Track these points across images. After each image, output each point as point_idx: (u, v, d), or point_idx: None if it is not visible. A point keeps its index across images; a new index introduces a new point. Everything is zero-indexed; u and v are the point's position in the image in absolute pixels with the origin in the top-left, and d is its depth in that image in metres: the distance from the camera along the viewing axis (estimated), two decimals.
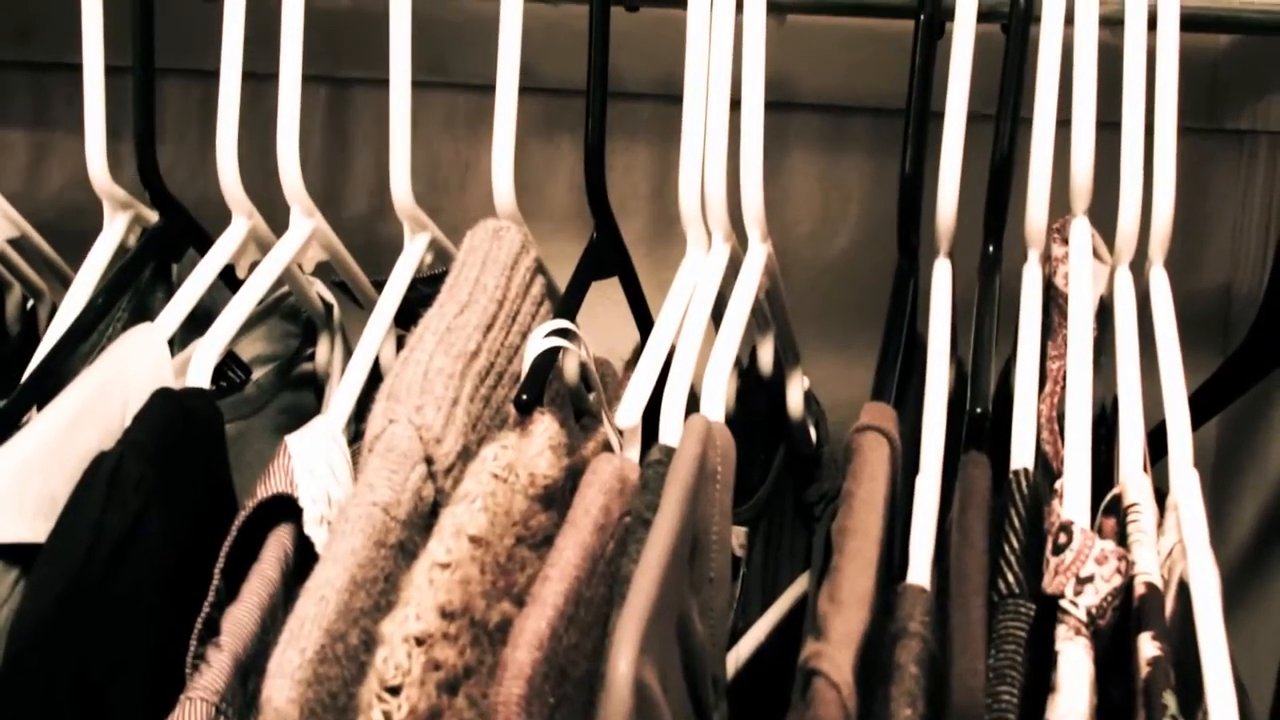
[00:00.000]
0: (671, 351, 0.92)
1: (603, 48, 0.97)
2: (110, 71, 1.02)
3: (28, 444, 0.85)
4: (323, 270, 1.07)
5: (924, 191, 0.97)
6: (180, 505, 0.85)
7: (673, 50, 1.00)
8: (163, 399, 0.87)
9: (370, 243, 1.08)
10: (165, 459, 0.84)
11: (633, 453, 0.89)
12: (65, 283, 1.08)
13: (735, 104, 0.96)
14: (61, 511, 0.82)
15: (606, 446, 0.93)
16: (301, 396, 1.07)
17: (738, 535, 0.92)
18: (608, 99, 0.98)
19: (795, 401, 1.07)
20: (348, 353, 1.08)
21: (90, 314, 0.97)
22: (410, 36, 0.97)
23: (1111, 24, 0.95)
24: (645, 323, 1.05)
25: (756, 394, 1.07)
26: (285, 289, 1.04)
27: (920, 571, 0.84)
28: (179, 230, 1.04)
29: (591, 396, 0.99)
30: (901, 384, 0.95)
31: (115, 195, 1.03)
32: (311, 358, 1.09)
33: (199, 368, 0.91)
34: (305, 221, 1.00)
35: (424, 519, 0.83)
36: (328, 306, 1.09)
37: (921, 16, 0.96)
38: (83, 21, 1.00)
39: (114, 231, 1.04)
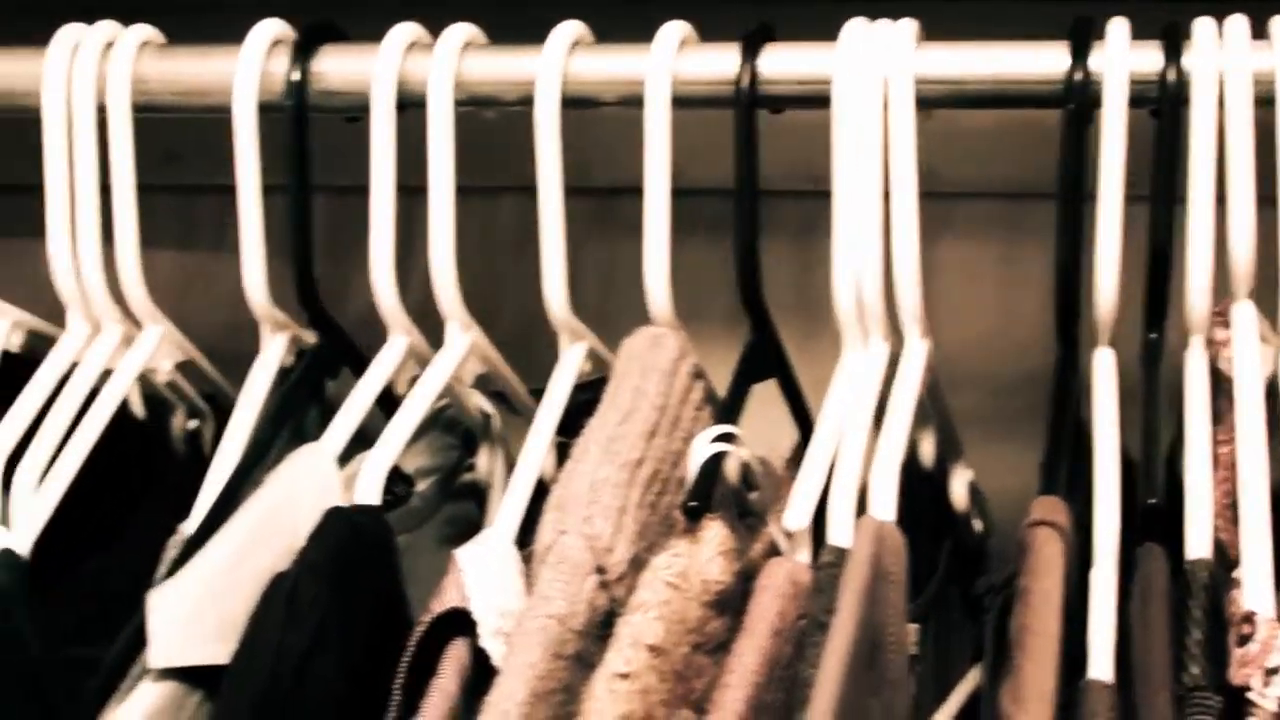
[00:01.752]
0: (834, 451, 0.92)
1: (750, 151, 0.98)
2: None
3: (205, 568, 0.86)
4: (480, 381, 1.07)
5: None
6: (356, 622, 0.86)
7: (812, 146, 1.01)
8: (335, 518, 0.88)
9: (525, 351, 1.09)
10: (340, 577, 0.85)
11: (803, 555, 0.89)
12: (223, 404, 1.09)
13: (884, 196, 0.96)
14: (243, 635, 0.83)
15: (773, 547, 0.93)
16: (464, 508, 1.08)
17: (911, 633, 0.91)
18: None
19: (960, 494, 1.06)
20: (508, 462, 1.08)
21: (263, 435, 0.98)
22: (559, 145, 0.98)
23: (1264, 104, 0.94)
24: (804, 422, 1.05)
25: (919, 488, 1.06)
26: (445, 401, 1.05)
27: (1102, 666, 0.83)
28: (338, 350, 1.05)
29: (754, 496, 0.98)
30: (1068, 475, 0.94)
31: (274, 317, 1.04)
32: (472, 468, 1.09)
33: (368, 484, 0.92)
34: (463, 336, 1.01)
35: (598, 629, 0.84)
36: (486, 417, 1.09)
37: (1070, 106, 0.95)
38: (236, 145, 1.01)
39: (273, 352, 1.05)
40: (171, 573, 0.88)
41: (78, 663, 0.89)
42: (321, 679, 0.83)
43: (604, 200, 1.14)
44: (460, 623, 0.83)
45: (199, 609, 0.85)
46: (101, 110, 1.03)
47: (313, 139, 1.02)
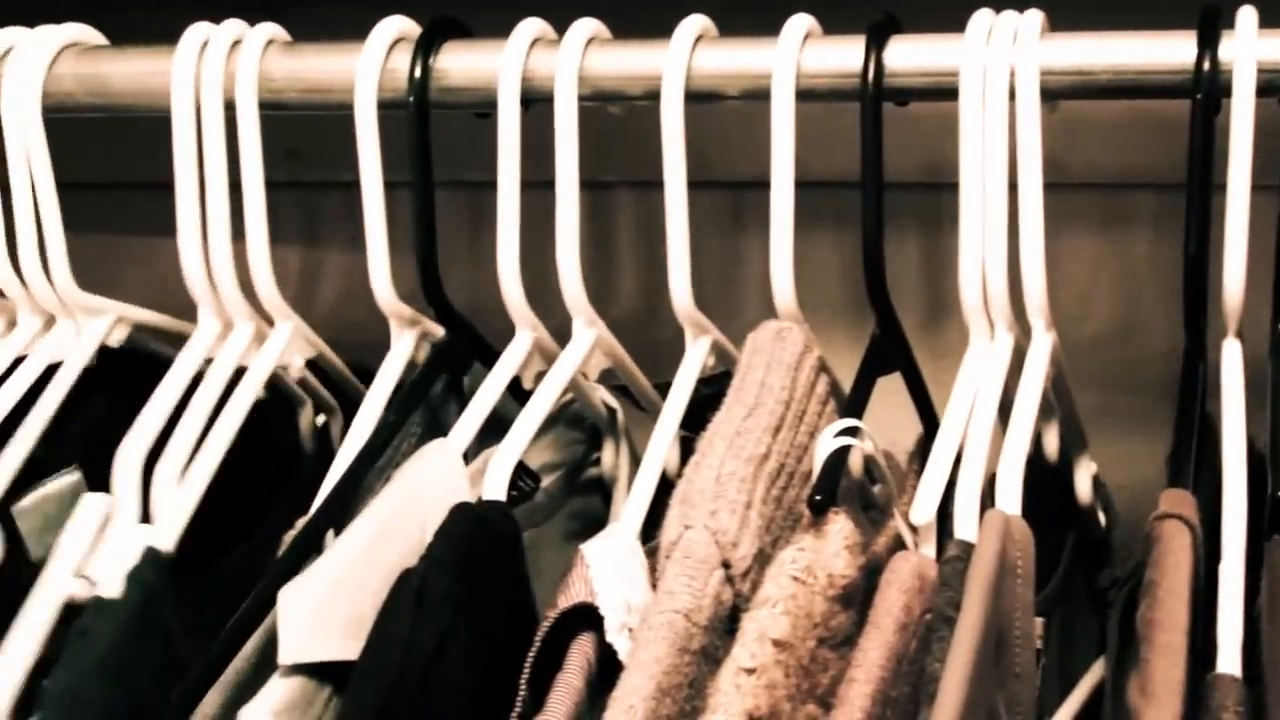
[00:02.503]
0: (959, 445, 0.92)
1: (876, 145, 0.97)
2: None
3: (334, 564, 0.87)
4: (605, 376, 1.08)
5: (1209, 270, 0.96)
6: (483, 618, 0.86)
7: (932, 137, 1.01)
8: (462, 514, 0.89)
9: (646, 345, 1.09)
10: (468, 573, 0.86)
11: (928, 549, 0.89)
12: (352, 399, 1.10)
13: (1010, 188, 0.96)
14: (372, 631, 0.84)
15: (897, 541, 0.93)
16: (589, 502, 1.09)
17: (1036, 627, 0.91)
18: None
19: (1084, 488, 1.06)
20: (633, 457, 1.09)
21: (384, 431, 0.99)
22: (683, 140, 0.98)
23: None
24: (928, 416, 1.05)
25: (1043, 481, 1.06)
26: (570, 396, 1.05)
27: (1230, 660, 0.83)
28: (466, 344, 1.06)
29: (878, 490, 0.98)
30: (1195, 468, 0.94)
31: (402, 313, 1.05)
32: (597, 463, 1.10)
33: (495, 480, 0.92)
34: (588, 331, 1.01)
35: (723, 623, 0.84)
36: (611, 412, 1.10)
37: (1198, 95, 0.94)
38: (359, 142, 1.02)
39: (402, 348, 1.06)
40: (286, 568, 0.89)
41: None
42: (450, 675, 0.83)
43: (720, 194, 1.14)
44: (587, 618, 0.84)
45: (329, 605, 0.85)
46: (229, 108, 1.04)
47: (435, 135, 1.03)
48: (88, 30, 1.10)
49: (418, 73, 1.01)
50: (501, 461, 0.93)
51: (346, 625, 0.85)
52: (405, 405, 1.02)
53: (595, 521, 1.06)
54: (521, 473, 1.03)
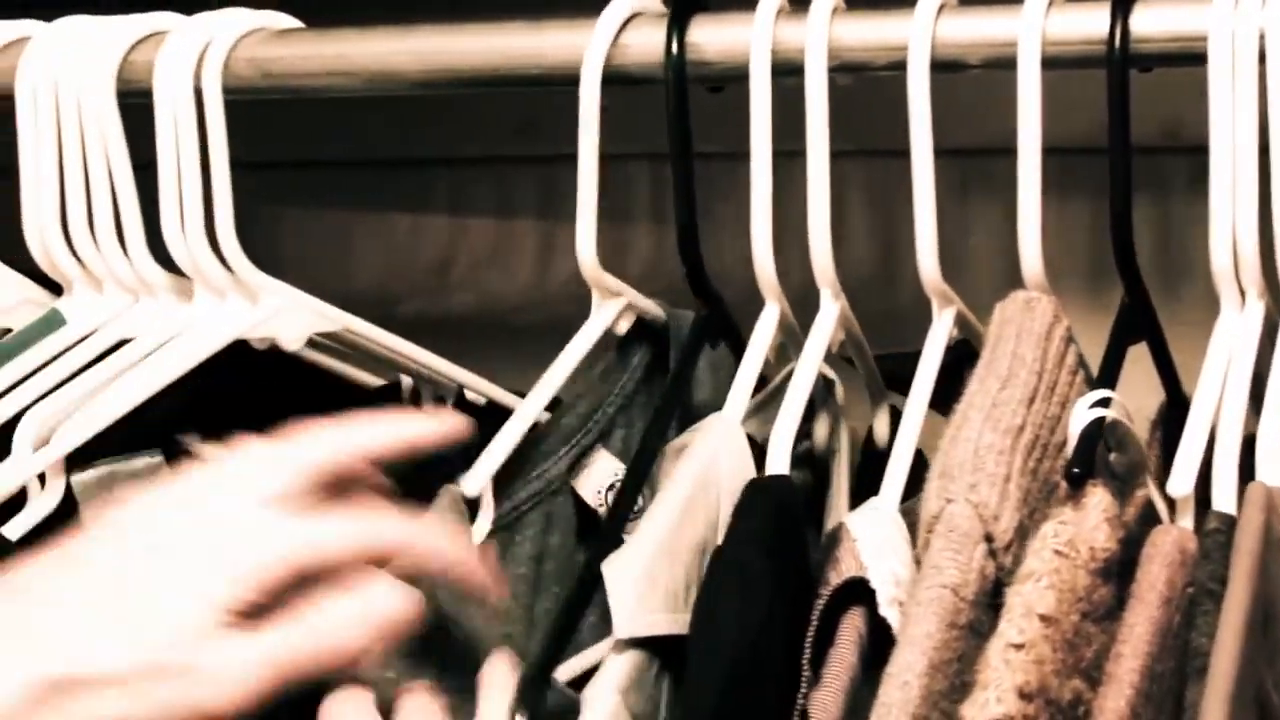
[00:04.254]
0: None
1: (1123, 113, 0.96)
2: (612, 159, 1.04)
3: (649, 538, 0.89)
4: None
5: None
6: (786, 593, 0.88)
7: (1170, 101, 0.99)
8: (759, 490, 0.91)
9: (877, 314, 1.09)
10: (773, 549, 0.88)
11: (1186, 521, 0.88)
12: None
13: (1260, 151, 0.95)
14: (697, 607, 0.86)
15: (1144, 512, 0.92)
16: (800, 476, 1.08)
17: None
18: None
19: None
20: (851, 432, 1.09)
21: (670, 404, 1.01)
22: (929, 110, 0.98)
23: None
24: (1171, 384, 1.04)
25: None
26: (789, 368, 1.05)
27: None
28: (721, 319, 1.06)
29: (1114, 458, 0.97)
30: None
31: (604, 283, 1.05)
32: (809, 435, 1.09)
33: (777, 454, 0.93)
34: (834, 304, 1.01)
35: (987, 597, 0.84)
36: (829, 384, 1.09)
37: None
38: (581, 112, 1.02)
39: (601, 319, 1.05)
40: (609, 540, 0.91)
41: None
42: (772, 652, 0.85)
43: (944, 162, 1.14)
44: (854, 591, 0.84)
45: (650, 579, 0.87)
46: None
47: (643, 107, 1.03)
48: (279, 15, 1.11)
49: (674, 48, 1.00)
50: (781, 436, 0.94)
51: (664, 600, 0.87)
52: (677, 379, 1.03)
53: (812, 495, 1.06)
54: None
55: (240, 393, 1.06)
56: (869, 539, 0.86)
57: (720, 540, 0.90)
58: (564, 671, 0.87)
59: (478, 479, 0.97)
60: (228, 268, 1.06)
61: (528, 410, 1.01)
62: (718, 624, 0.84)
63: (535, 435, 1.02)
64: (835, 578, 0.85)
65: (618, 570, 0.87)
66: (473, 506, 0.96)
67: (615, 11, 1.03)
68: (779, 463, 0.93)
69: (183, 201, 1.05)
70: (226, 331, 1.06)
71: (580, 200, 1.04)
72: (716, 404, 0.98)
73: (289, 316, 1.07)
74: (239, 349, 1.06)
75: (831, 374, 1.10)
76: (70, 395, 1.01)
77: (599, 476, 1.02)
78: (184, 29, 1.07)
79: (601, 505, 1.01)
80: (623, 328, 1.07)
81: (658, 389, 1.06)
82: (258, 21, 1.09)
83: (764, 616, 0.84)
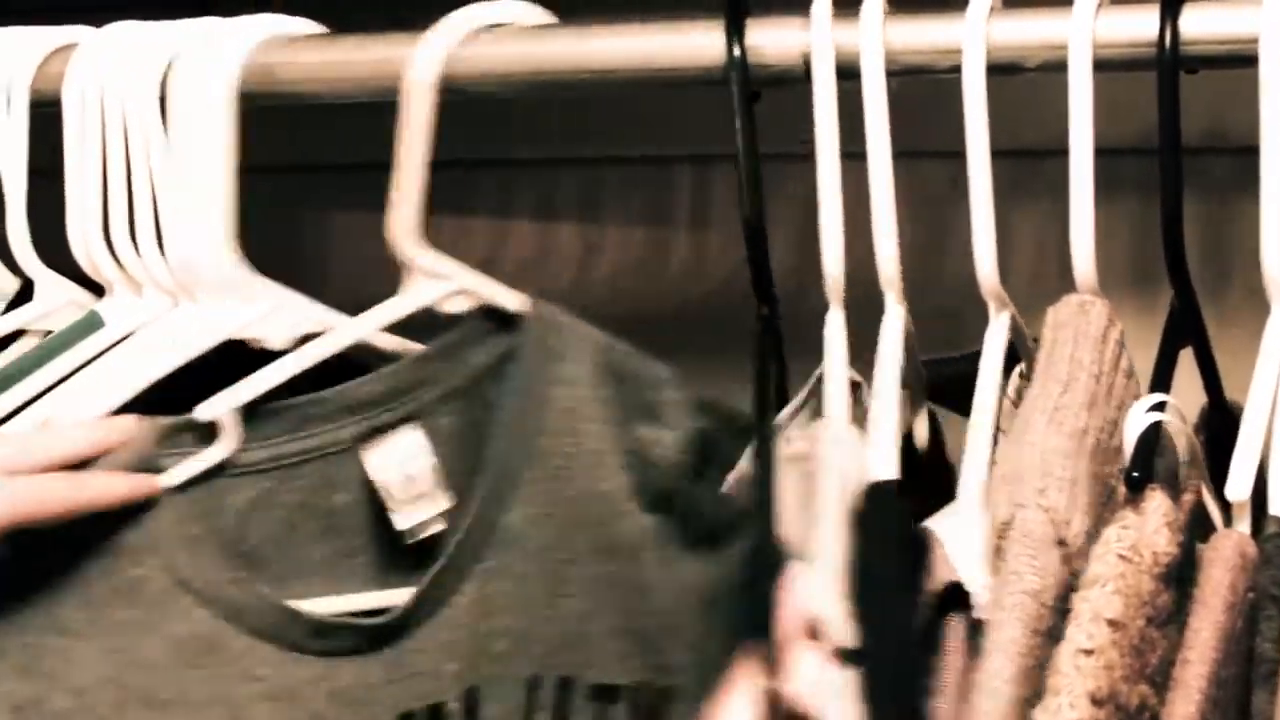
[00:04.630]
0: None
1: (1174, 115, 0.96)
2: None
3: None
4: None
5: None
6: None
7: (1218, 103, 0.99)
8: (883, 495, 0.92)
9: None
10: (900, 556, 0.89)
11: (1243, 526, 0.89)
12: None
13: None
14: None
15: (1193, 515, 0.93)
16: None
17: None
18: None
19: None
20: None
21: None
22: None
23: None
24: (1214, 388, 1.04)
25: None
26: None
27: None
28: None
29: (1166, 466, 0.98)
30: None
31: (420, 263, 1.04)
32: None
33: (885, 460, 0.95)
34: (898, 307, 1.01)
35: (1061, 603, 0.85)
36: (855, 386, 1.08)
37: None
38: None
39: (413, 299, 1.04)
40: None
41: None
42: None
43: (1001, 163, 1.14)
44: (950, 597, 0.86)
45: None
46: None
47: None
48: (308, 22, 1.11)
49: (736, 51, 1.00)
50: (885, 442, 0.95)
51: None
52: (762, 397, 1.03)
53: None
54: None
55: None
56: (953, 544, 0.86)
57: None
58: None
59: (212, 408, 0.99)
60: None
61: (287, 364, 1.01)
62: (884, 634, 0.85)
63: (320, 397, 1.01)
64: (932, 583, 0.85)
65: None
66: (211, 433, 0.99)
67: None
68: (888, 468, 0.94)
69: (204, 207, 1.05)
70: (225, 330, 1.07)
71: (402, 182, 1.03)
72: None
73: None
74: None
75: (857, 376, 1.10)
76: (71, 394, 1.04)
77: (400, 455, 1.01)
78: (207, 36, 1.07)
79: (400, 480, 1.01)
80: (452, 309, 1.05)
81: (513, 383, 1.04)
82: (288, 27, 1.09)
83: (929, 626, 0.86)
